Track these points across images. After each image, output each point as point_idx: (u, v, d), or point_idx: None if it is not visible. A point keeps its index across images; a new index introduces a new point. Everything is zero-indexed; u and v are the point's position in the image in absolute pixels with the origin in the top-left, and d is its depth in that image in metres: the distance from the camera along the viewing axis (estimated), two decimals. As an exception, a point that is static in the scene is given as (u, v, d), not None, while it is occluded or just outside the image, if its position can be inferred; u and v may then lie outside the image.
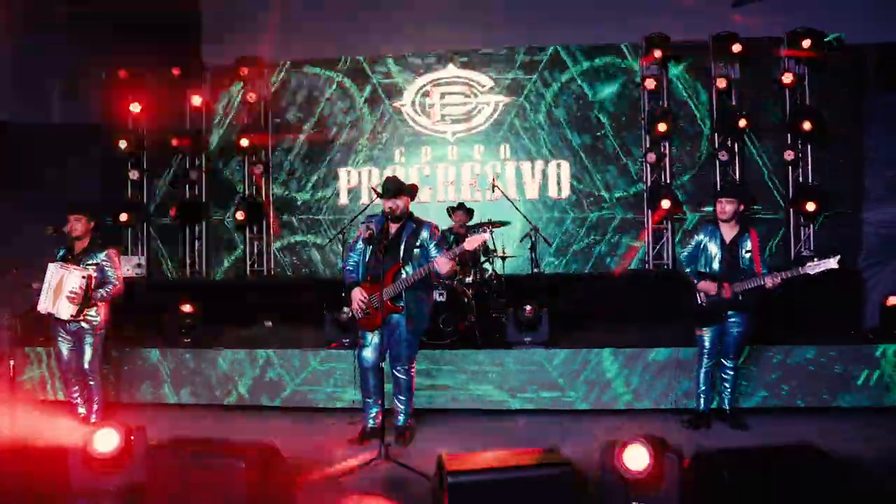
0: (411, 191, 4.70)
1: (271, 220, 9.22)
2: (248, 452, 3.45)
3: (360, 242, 4.73)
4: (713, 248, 4.94)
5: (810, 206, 8.03)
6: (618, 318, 7.25)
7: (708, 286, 4.84)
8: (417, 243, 4.60)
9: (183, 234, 9.25)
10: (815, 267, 4.59)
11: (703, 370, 5.12)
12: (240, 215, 8.81)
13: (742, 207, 4.94)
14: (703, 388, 5.14)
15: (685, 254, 5.09)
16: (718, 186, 8.26)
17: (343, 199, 9.09)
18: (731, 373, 5.15)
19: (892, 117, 8.85)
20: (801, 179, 8.46)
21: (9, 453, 3.61)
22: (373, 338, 4.64)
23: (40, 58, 9.50)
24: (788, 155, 8.29)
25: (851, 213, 8.53)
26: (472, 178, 8.94)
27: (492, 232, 7.03)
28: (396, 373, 4.70)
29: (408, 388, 4.73)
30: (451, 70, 9.06)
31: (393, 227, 4.67)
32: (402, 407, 4.76)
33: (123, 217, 8.90)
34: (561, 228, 8.86)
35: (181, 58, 9.05)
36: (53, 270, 4.89)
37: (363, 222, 4.66)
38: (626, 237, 8.78)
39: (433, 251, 4.57)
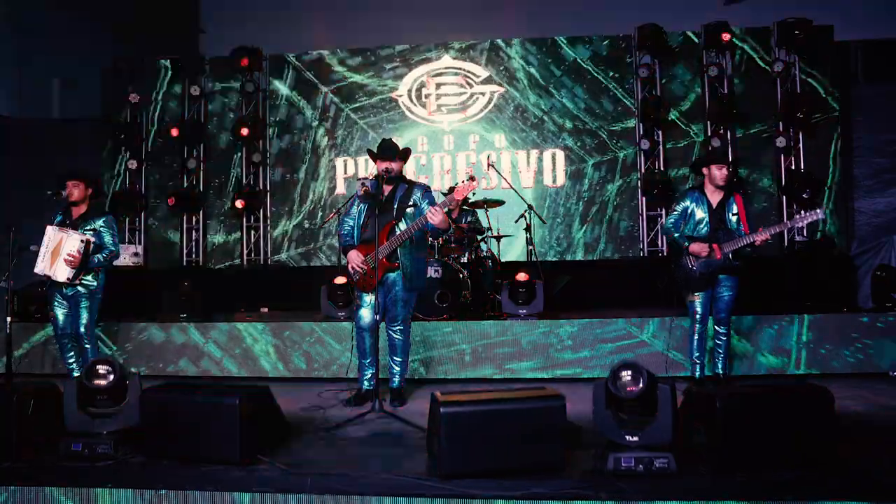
0: (405, 154, 4.75)
1: (269, 208, 9.27)
2: (240, 391, 3.48)
3: (355, 207, 4.77)
4: (700, 213, 4.95)
5: (805, 195, 8.09)
6: (611, 304, 7.26)
7: (700, 247, 4.84)
8: (410, 202, 4.64)
9: (180, 223, 9.28)
10: (802, 219, 4.65)
11: (696, 336, 5.08)
12: (239, 203, 8.85)
13: (730, 169, 5.00)
14: (697, 353, 5.11)
15: (671, 220, 5.06)
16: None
17: (340, 188, 9.14)
18: (724, 338, 5.13)
19: (878, 108, 9.03)
20: (793, 167, 8.54)
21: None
22: (370, 298, 4.65)
23: (41, 53, 9.64)
24: (780, 142, 8.38)
25: (842, 202, 8.62)
26: (467, 167, 9.01)
27: (486, 211, 7.10)
28: (392, 333, 4.71)
29: (403, 349, 4.74)
30: (447, 61, 9.17)
31: (386, 189, 4.71)
32: (397, 368, 4.76)
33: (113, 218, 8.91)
34: (556, 216, 8.91)
35: (180, 49, 9.15)
36: (52, 233, 4.92)
37: (358, 180, 4.70)
38: (621, 224, 8.84)
39: (426, 209, 4.60)
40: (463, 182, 4.32)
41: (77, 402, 3.55)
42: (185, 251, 9.30)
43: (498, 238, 7.12)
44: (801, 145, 8.54)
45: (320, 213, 9.16)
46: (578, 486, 3.01)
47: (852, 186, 8.90)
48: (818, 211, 4.59)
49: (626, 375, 3.12)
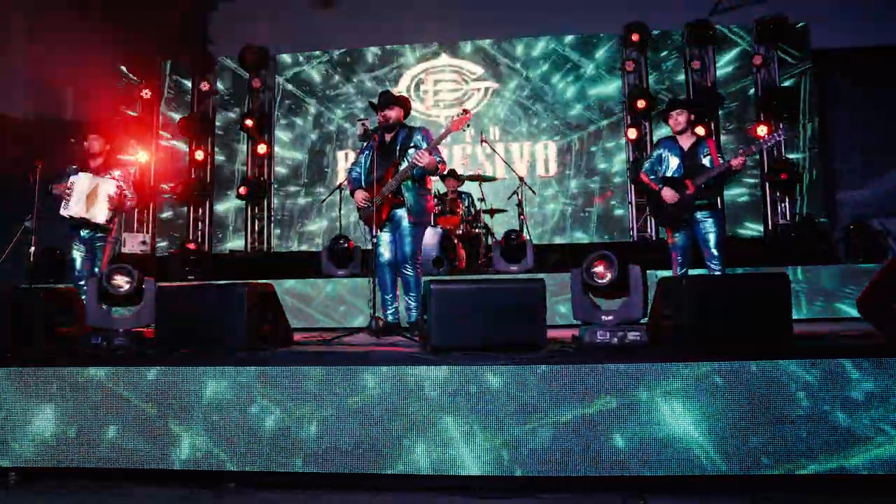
0: (403, 102, 5.11)
1: (272, 199, 9.65)
2: (247, 286, 3.77)
3: (362, 157, 5.11)
4: (673, 160, 5.11)
5: (784, 175, 8.48)
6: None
7: (671, 195, 4.98)
8: (411, 144, 4.97)
9: (188, 212, 9.65)
10: (767, 141, 4.89)
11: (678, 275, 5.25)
12: (242, 190, 9.23)
13: (692, 117, 5.14)
14: None
15: (647, 166, 5.26)
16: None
17: (341, 179, 9.51)
18: (719, 274, 5.05)
19: (855, 107, 9.46)
20: (775, 154, 8.94)
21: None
22: (386, 237, 4.95)
23: (53, 56, 10.10)
24: (762, 130, 8.78)
25: (824, 192, 9.00)
26: (463, 158, 9.42)
27: (480, 185, 7.47)
28: (404, 272, 4.92)
29: (416, 284, 4.92)
30: (444, 59, 9.67)
31: (388, 136, 5.06)
32: (413, 304, 4.93)
33: (132, 170, 9.25)
34: (548, 204, 9.28)
35: (189, 48, 9.64)
36: (85, 180, 5.25)
37: (358, 120, 5.03)
38: (611, 211, 9.20)
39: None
40: (457, 115, 4.65)
41: (97, 298, 3.84)
42: (191, 240, 9.62)
43: (491, 213, 7.46)
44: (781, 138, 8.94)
45: (324, 208, 9.53)
46: (557, 356, 3.28)
47: (833, 178, 9.30)
48: (779, 132, 4.93)
49: (599, 266, 3.44)
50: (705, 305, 3.42)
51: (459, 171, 7.89)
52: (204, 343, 3.64)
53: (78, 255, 5.40)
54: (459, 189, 7.70)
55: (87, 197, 5.22)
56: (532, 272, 6.29)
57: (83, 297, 5.37)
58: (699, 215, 5.02)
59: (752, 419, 3.06)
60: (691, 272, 5.25)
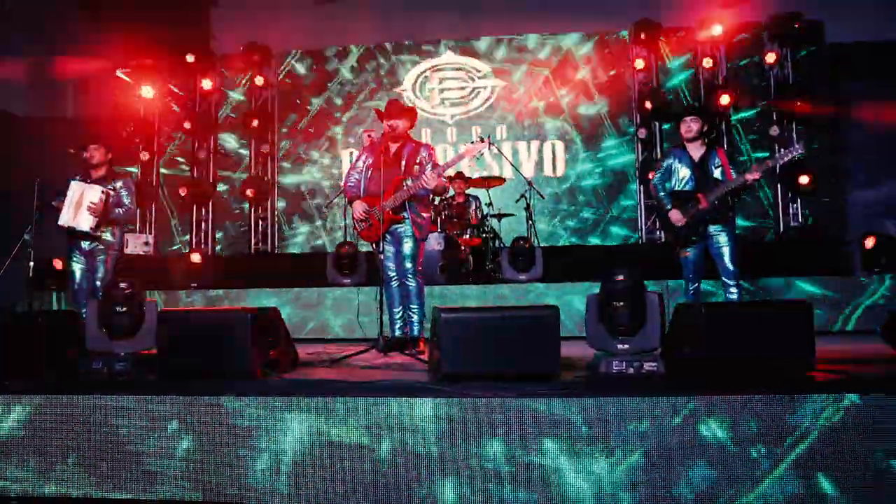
0: (410, 113, 4.98)
1: (275, 198, 9.53)
2: (252, 311, 3.66)
3: (360, 162, 4.99)
4: (683, 170, 4.98)
5: (803, 179, 8.28)
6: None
7: (677, 217, 4.88)
8: (417, 160, 4.85)
9: (190, 213, 9.54)
10: (784, 157, 4.67)
11: (689, 293, 5.10)
12: (249, 192, 9.10)
13: (706, 127, 5.00)
14: None
15: (657, 178, 5.12)
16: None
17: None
18: (736, 291, 4.94)
19: (870, 104, 9.28)
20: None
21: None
22: (391, 250, 4.85)
23: (55, 52, 9.97)
24: (774, 131, 8.62)
25: (836, 193, 8.84)
26: (470, 159, 9.24)
27: (487, 189, 7.33)
28: (405, 282, 4.83)
29: (417, 295, 4.84)
30: (450, 56, 9.50)
31: (393, 147, 4.93)
32: (415, 316, 4.85)
33: (132, 181, 9.15)
34: (556, 204, 9.13)
35: (192, 46, 9.48)
36: (75, 187, 5.15)
37: (364, 131, 4.91)
38: (620, 212, 9.06)
39: (429, 168, 4.82)
40: (472, 142, 4.53)
41: (98, 322, 3.73)
42: (194, 241, 9.52)
43: (499, 217, 7.34)
44: (794, 135, 8.78)
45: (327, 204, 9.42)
46: (571, 388, 3.17)
47: (846, 178, 9.13)
48: (797, 147, 4.65)
49: (619, 276, 3.31)
50: (724, 335, 3.30)
51: (466, 174, 7.77)
52: (207, 370, 3.55)
53: (77, 267, 5.29)
54: (467, 192, 7.57)
55: (76, 205, 5.11)
56: (541, 281, 6.16)
57: (83, 310, 5.33)
58: (712, 229, 4.89)
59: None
60: (704, 283, 5.16)
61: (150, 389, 3.39)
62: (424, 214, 4.93)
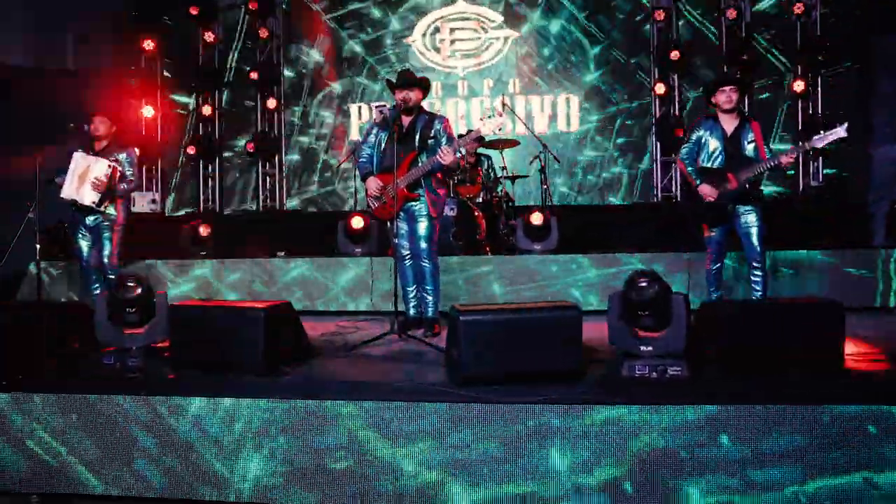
0: (423, 83, 4.76)
1: (283, 154, 9.34)
2: (265, 305, 3.58)
3: (372, 135, 4.81)
4: (714, 143, 4.73)
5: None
6: (626, 244, 7.29)
7: (709, 191, 4.66)
8: (431, 134, 4.66)
9: (197, 169, 9.38)
10: (822, 139, 4.39)
11: (713, 271, 4.94)
12: (251, 147, 8.91)
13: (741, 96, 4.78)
14: (713, 288, 4.97)
15: (685, 151, 4.86)
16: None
17: (354, 135, 9.15)
18: (760, 274, 4.72)
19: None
20: (810, 111, 8.46)
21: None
22: (402, 227, 4.73)
23: (53, 3, 9.59)
24: (798, 86, 8.29)
25: (859, 149, 8.54)
26: (481, 113, 9.00)
27: (501, 151, 7.13)
28: (420, 262, 4.72)
29: (433, 277, 4.75)
30: (461, 5, 9.09)
31: (406, 120, 4.73)
32: (430, 298, 4.77)
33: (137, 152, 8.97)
34: (570, 161, 8.91)
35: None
36: (79, 159, 5.02)
37: (376, 106, 4.72)
38: (635, 168, 8.84)
39: (445, 142, 4.64)
40: (489, 117, 4.33)
41: (108, 315, 3.66)
42: (202, 198, 9.40)
43: (512, 179, 7.16)
44: (818, 91, 8.45)
45: (335, 161, 9.21)
46: (593, 392, 3.10)
47: (869, 134, 8.81)
48: (840, 128, 4.32)
49: (643, 281, 3.19)
50: (749, 336, 3.21)
51: (490, 119, 7.45)
52: (220, 365, 3.50)
53: (84, 243, 5.22)
54: (479, 151, 7.35)
55: (79, 177, 4.99)
56: (556, 252, 6.03)
57: (92, 287, 5.28)
58: (741, 208, 4.68)
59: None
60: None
61: (167, 389, 3.33)
62: (440, 192, 4.78)
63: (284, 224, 8.86)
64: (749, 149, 4.66)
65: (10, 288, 6.09)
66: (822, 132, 4.43)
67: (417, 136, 4.65)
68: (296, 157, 9.41)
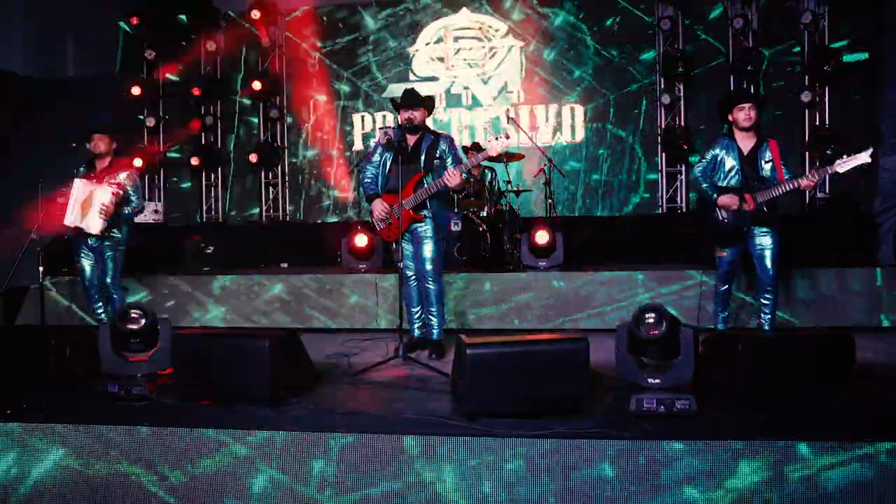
0: (428, 102, 4.73)
1: (286, 164, 9.31)
2: (270, 335, 3.55)
3: (377, 155, 4.77)
4: (730, 162, 4.62)
5: (829, 151, 7.95)
6: (631, 259, 7.24)
7: (730, 199, 4.53)
8: (437, 154, 4.63)
9: (199, 179, 9.35)
10: (845, 163, 4.29)
11: (720, 292, 4.89)
12: (253, 158, 8.89)
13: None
14: (719, 309, 4.94)
15: (699, 169, 4.75)
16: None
17: (358, 145, 9.11)
18: (771, 297, 4.67)
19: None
20: (817, 122, 8.39)
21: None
22: (407, 248, 4.71)
23: (53, 9, 9.55)
24: (805, 96, 8.22)
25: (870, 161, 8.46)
26: (485, 123, 8.96)
27: (506, 165, 7.09)
28: (425, 284, 4.69)
29: (438, 298, 4.72)
30: (465, 14, 9.04)
31: (411, 140, 4.70)
32: (434, 319, 4.74)
33: (139, 163, 8.95)
34: (574, 171, 8.86)
35: (194, 5, 9.06)
36: (80, 186, 4.97)
37: (381, 128, 4.70)
38: (640, 179, 8.80)
39: (451, 163, 4.60)
40: (496, 139, 4.31)
41: (111, 344, 3.64)
42: (204, 208, 9.38)
43: (517, 193, 7.12)
44: (826, 100, 8.38)
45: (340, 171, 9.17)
46: (601, 426, 3.07)
47: (878, 142, 8.73)
48: (864, 153, 4.25)
49: (650, 318, 3.16)
50: (759, 370, 3.17)
51: (481, 136, 7.45)
52: (225, 395, 3.48)
53: (87, 263, 5.19)
54: (483, 164, 7.30)
55: (82, 205, 4.94)
56: (562, 267, 6.00)
57: (95, 306, 5.26)
58: (756, 229, 4.60)
59: None
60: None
61: (170, 421, 3.30)
62: (445, 212, 4.77)
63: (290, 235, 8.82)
64: (766, 168, 4.57)
65: (14, 307, 6.06)
66: (844, 157, 4.35)
67: (423, 157, 4.63)
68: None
